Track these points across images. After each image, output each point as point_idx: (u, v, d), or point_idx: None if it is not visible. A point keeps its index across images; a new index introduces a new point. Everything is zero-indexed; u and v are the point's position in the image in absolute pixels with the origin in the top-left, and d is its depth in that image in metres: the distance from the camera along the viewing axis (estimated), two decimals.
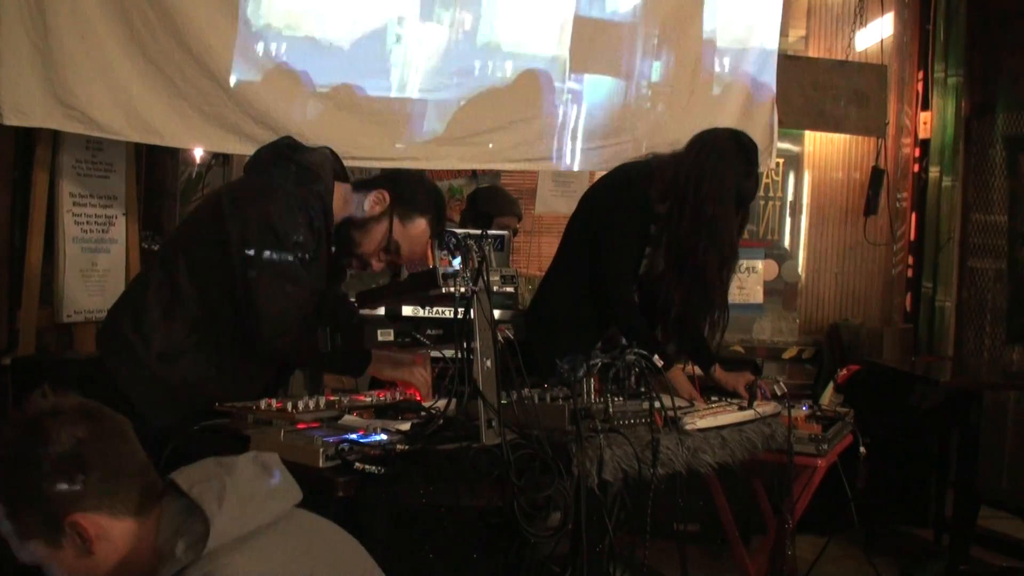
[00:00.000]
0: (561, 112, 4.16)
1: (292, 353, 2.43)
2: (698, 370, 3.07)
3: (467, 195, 4.83)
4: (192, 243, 2.46)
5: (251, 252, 2.32)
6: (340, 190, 2.51)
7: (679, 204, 2.84)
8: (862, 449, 3.07)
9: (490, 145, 4.02)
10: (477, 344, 1.96)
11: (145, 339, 2.37)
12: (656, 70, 4.37)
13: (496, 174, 4.93)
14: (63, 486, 1.40)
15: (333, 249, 2.49)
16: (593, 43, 4.24)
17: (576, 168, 4.35)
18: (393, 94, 3.91)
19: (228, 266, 2.34)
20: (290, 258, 2.34)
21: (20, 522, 1.42)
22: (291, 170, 2.44)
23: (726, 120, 4.43)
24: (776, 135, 4.55)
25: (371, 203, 2.50)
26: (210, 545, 1.39)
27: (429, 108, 3.96)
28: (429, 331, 2.29)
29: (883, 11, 5.27)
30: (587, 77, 4.24)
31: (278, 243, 2.33)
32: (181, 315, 2.38)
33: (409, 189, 2.54)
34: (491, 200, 4.39)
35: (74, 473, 1.40)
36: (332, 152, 2.57)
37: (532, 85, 4.12)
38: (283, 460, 1.90)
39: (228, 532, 1.42)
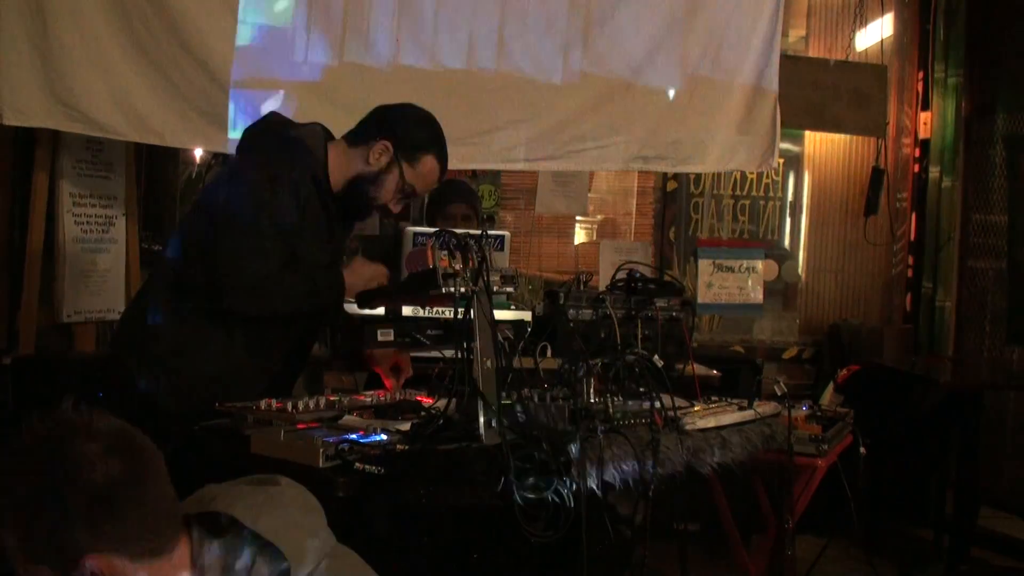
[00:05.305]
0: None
1: (276, 312, 2.41)
2: (699, 369, 3.08)
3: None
4: (187, 233, 2.49)
5: (220, 226, 2.33)
6: (337, 150, 2.53)
7: None
8: (862, 449, 3.07)
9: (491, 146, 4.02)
10: (477, 344, 1.96)
11: (156, 335, 2.39)
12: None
13: (496, 173, 4.93)
14: (87, 528, 1.30)
15: (331, 207, 2.51)
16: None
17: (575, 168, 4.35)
18: None
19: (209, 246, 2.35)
20: (262, 231, 2.32)
21: (32, 547, 1.32)
22: (273, 143, 2.46)
23: (727, 120, 4.43)
24: (778, 135, 4.54)
25: (375, 156, 2.52)
26: None
27: None
28: (429, 331, 2.29)
29: (883, 11, 5.27)
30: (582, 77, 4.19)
31: (243, 216, 2.32)
32: (189, 308, 2.39)
33: (405, 131, 2.55)
34: (439, 191, 4.31)
35: (102, 517, 1.31)
36: (323, 127, 2.57)
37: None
38: (283, 460, 1.91)
39: (305, 567, 1.39)
